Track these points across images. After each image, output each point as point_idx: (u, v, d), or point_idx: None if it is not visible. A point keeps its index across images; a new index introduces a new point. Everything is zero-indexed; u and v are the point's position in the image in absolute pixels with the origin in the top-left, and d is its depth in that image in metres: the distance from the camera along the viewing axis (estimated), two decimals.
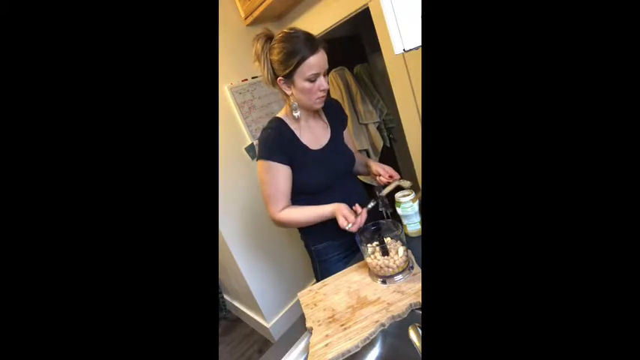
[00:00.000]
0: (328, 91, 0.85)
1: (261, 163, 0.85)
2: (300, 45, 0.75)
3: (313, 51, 0.75)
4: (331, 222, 0.88)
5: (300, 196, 0.89)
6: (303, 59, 0.75)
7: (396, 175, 0.88)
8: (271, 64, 0.79)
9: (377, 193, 0.85)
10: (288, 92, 0.82)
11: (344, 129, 0.99)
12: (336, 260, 0.95)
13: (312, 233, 0.94)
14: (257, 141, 0.87)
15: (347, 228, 0.77)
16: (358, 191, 0.98)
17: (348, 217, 0.78)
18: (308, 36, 0.77)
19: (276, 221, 0.90)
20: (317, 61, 0.76)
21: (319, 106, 0.84)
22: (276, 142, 0.83)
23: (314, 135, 0.90)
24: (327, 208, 0.84)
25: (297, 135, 0.87)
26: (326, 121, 0.95)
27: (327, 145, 0.91)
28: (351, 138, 1.04)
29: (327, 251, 0.95)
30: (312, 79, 0.78)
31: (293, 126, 0.87)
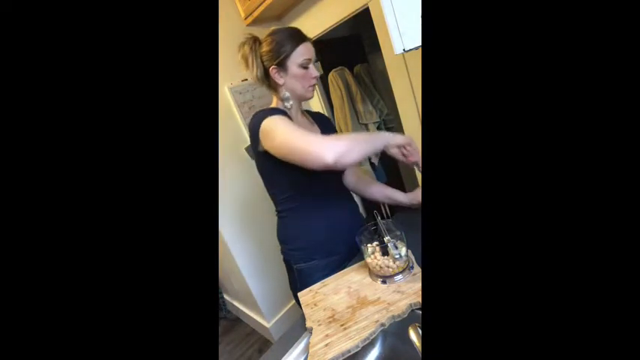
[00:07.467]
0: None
1: (267, 123, 0.73)
2: (291, 35, 0.81)
3: (303, 39, 0.81)
4: (322, 237, 0.86)
5: (287, 193, 0.84)
6: (295, 46, 0.80)
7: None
8: (261, 58, 0.81)
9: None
10: (281, 82, 0.82)
11: None
12: (319, 279, 0.80)
13: (298, 250, 0.87)
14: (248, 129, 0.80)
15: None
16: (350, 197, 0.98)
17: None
18: (296, 29, 0.83)
19: (335, 157, 0.63)
20: (308, 48, 0.81)
21: (311, 95, 0.86)
22: (275, 108, 0.81)
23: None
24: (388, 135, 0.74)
25: None
26: (313, 121, 0.95)
27: None
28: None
29: (311, 272, 0.85)
30: (305, 65, 0.81)
31: None
